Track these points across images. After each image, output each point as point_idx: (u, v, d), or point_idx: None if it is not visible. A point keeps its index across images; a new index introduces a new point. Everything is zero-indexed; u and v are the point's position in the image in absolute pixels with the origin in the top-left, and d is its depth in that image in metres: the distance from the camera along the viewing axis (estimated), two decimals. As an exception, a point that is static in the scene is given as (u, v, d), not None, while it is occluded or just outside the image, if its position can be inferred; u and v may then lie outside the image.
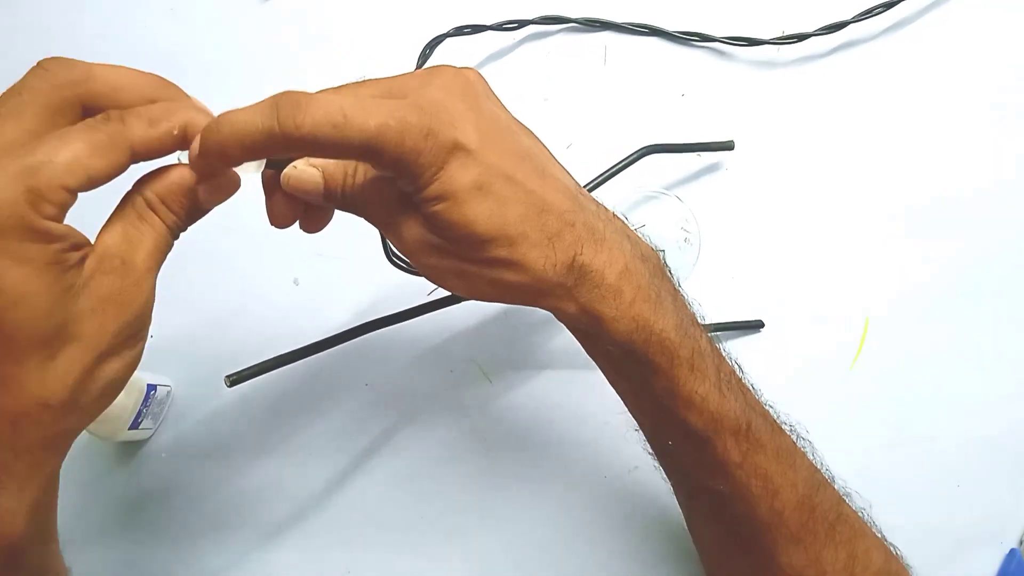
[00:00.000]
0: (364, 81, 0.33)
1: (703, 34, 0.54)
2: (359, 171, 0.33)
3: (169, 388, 0.51)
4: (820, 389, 0.50)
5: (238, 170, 0.32)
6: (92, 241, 0.29)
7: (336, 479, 0.50)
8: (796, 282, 0.51)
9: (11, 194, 0.25)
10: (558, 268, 0.33)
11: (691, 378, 0.34)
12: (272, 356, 0.41)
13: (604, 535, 0.49)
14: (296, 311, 0.52)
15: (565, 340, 0.36)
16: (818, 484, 0.37)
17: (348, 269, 0.52)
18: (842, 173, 0.52)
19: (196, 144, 0.30)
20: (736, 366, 0.38)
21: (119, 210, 0.30)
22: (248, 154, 0.29)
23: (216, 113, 0.30)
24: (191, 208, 0.31)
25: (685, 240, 0.50)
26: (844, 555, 0.37)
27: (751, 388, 0.38)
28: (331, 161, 0.33)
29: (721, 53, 0.55)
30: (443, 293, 0.46)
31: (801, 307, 0.51)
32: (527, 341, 0.52)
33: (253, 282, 0.53)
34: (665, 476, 0.40)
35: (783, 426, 0.38)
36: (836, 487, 0.39)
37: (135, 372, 0.50)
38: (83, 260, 0.28)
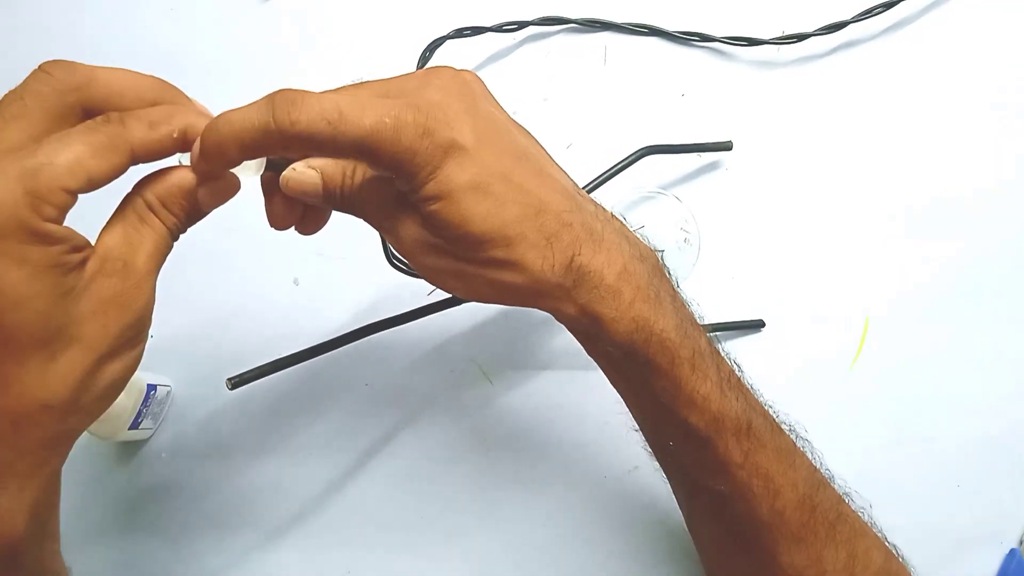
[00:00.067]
0: (363, 83, 0.33)
1: (703, 34, 0.54)
2: (357, 172, 0.33)
3: (169, 388, 0.51)
4: (820, 389, 0.50)
5: (238, 172, 0.32)
6: (92, 243, 0.29)
7: (336, 479, 0.50)
8: (796, 282, 0.51)
9: (11, 196, 0.25)
10: (556, 269, 0.33)
11: (692, 378, 0.34)
12: (273, 358, 0.41)
13: (604, 535, 0.49)
14: (296, 311, 0.52)
15: (565, 340, 0.36)
16: (818, 483, 0.37)
17: (348, 269, 0.52)
18: (842, 173, 0.52)
19: (197, 146, 0.30)
20: (735, 366, 0.38)
21: (119, 212, 0.30)
22: (245, 152, 0.29)
23: (216, 114, 0.30)
24: (191, 210, 0.31)
25: (685, 240, 0.50)
26: (844, 555, 0.37)
27: (750, 388, 0.38)
28: (329, 162, 0.33)
29: (721, 53, 0.55)
30: (443, 294, 0.46)
31: (801, 307, 0.51)
32: (527, 341, 0.52)
33: (253, 282, 0.53)
34: (665, 477, 0.40)
35: (782, 426, 0.38)
36: (836, 487, 0.39)
37: (135, 372, 0.50)
38: (84, 262, 0.28)
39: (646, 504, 0.48)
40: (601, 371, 0.37)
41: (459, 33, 0.53)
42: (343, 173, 0.33)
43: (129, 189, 0.31)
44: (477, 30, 0.53)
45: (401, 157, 0.30)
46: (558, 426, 0.50)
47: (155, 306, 0.31)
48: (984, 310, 0.50)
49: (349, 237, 0.50)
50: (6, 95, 0.28)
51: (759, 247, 0.52)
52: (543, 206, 0.33)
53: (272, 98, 0.29)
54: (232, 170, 0.31)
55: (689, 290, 0.38)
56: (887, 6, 0.53)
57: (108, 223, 0.30)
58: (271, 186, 0.34)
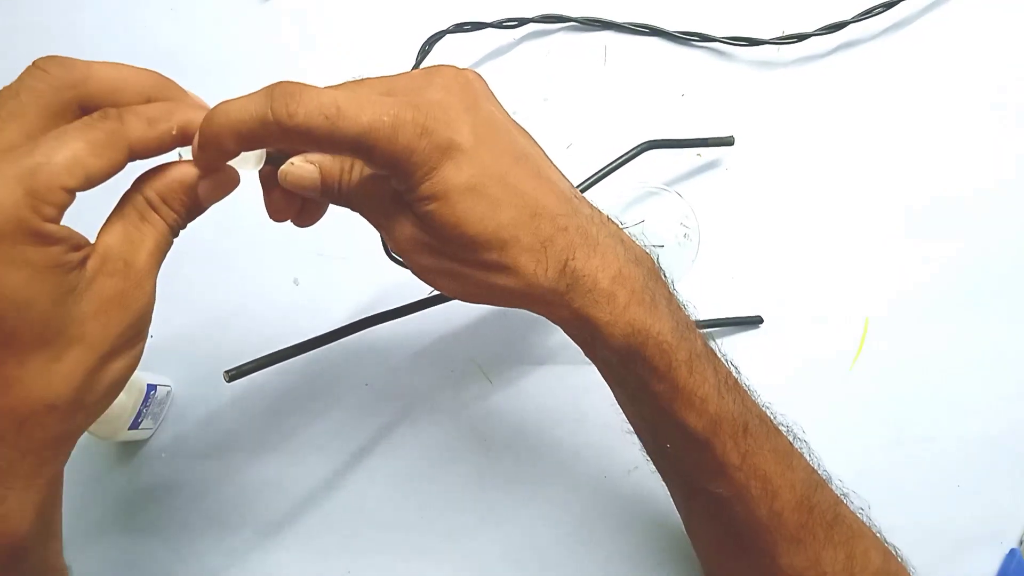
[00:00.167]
0: (364, 79, 0.33)
1: (703, 34, 0.54)
2: (355, 168, 0.33)
3: (169, 388, 0.51)
4: (820, 389, 0.50)
5: (237, 165, 0.32)
6: (91, 241, 0.29)
7: (336, 479, 0.50)
8: (796, 281, 0.51)
9: (11, 197, 0.25)
10: (549, 273, 0.32)
11: (689, 380, 0.34)
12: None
13: (604, 536, 0.49)
14: (296, 311, 0.52)
15: (564, 340, 0.36)
16: (816, 485, 0.37)
17: (348, 269, 0.53)
18: (842, 173, 0.52)
19: (197, 141, 0.30)
20: (732, 367, 0.38)
21: (119, 210, 0.30)
22: (242, 143, 0.29)
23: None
24: (191, 206, 0.31)
25: (684, 236, 0.50)
26: (843, 555, 0.37)
27: (748, 389, 0.38)
28: (328, 157, 0.33)
29: (721, 53, 0.55)
30: (443, 292, 0.46)
31: (801, 307, 0.51)
32: (527, 341, 0.52)
33: (253, 282, 0.53)
34: (662, 480, 0.40)
35: (780, 427, 0.38)
36: (833, 487, 0.39)
37: (135, 372, 0.50)
38: (84, 261, 0.28)
39: (646, 504, 0.48)
40: (600, 374, 0.37)
41: (459, 28, 0.53)
42: (341, 169, 0.33)
43: (125, 185, 0.31)
44: (477, 25, 0.53)
45: (398, 156, 0.30)
46: (558, 426, 0.50)
47: (155, 305, 0.31)
48: (984, 310, 0.50)
49: (349, 237, 0.50)
50: (1, 92, 0.28)
51: (759, 246, 0.52)
52: (539, 209, 0.32)
53: (271, 90, 0.29)
54: (231, 163, 0.31)
55: (688, 287, 0.37)
56: (887, 6, 0.53)
57: (108, 221, 0.30)
58: (270, 180, 0.34)
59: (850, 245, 0.52)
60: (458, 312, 0.51)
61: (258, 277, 0.53)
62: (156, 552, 0.50)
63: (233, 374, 0.39)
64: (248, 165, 0.33)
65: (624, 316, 0.33)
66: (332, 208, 0.37)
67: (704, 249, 0.50)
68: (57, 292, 0.27)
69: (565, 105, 0.55)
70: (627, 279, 0.34)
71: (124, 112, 0.28)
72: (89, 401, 0.29)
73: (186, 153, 0.31)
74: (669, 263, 0.37)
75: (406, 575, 0.49)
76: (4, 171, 0.25)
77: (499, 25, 0.54)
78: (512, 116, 0.35)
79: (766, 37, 0.53)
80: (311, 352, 0.43)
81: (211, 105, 0.31)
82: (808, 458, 0.38)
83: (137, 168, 0.31)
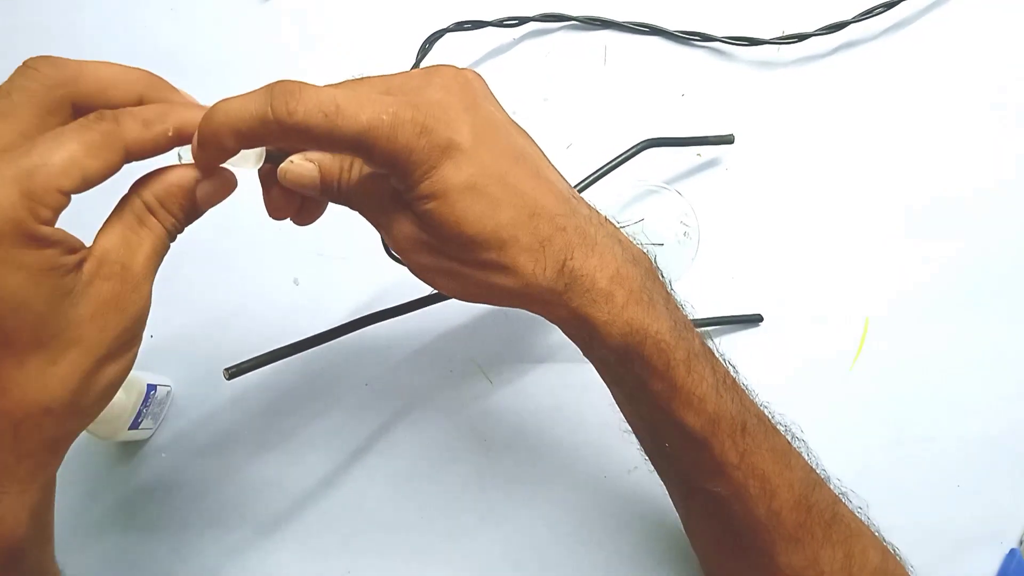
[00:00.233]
0: (364, 78, 0.33)
1: (704, 33, 0.54)
2: (355, 167, 0.34)
3: (169, 388, 0.51)
4: (820, 389, 0.50)
5: (237, 164, 0.32)
6: (87, 244, 0.29)
7: (336, 479, 0.50)
8: (796, 281, 0.51)
9: (8, 199, 0.25)
10: (548, 273, 0.33)
11: (688, 380, 0.34)
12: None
13: (603, 535, 0.49)
14: (296, 311, 0.52)
15: (563, 339, 0.36)
16: (814, 484, 0.37)
17: (348, 269, 0.53)
18: (842, 173, 0.52)
19: (196, 139, 0.30)
20: (731, 367, 0.38)
21: (117, 213, 0.30)
22: (242, 140, 0.29)
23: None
24: (189, 210, 0.31)
25: (684, 234, 0.50)
26: (841, 554, 0.37)
27: (746, 389, 0.38)
28: (327, 156, 0.33)
29: (721, 53, 0.55)
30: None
31: (801, 307, 0.51)
32: (527, 341, 0.52)
33: (253, 282, 0.53)
34: (661, 479, 0.40)
35: (778, 426, 0.38)
36: (832, 487, 0.39)
37: (135, 372, 0.50)
38: (80, 264, 0.28)
39: (645, 504, 0.48)
40: (599, 374, 0.37)
41: (459, 26, 0.53)
42: (341, 167, 0.33)
43: (122, 186, 0.31)
44: (477, 24, 0.53)
45: (397, 154, 0.30)
46: (558, 426, 0.50)
47: (155, 306, 0.31)
48: (984, 310, 0.50)
49: (349, 237, 0.50)
50: None
51: (759, 246, 0.52)
52: (537, 209, 0.33)
53: (271, 88, 0.29)
54: (230, 161, 0.31)
55: (688, 286, 0.38)
56: (888, 6, 0.53)
57: (105, 224, 0.30)
58: (269, 178, 0.34)
59: (850, 245, 0.52)
60: (457, 312, 0.51)
61: (258, 277, 0.53)
62: (156, 552, 0.50)
63: (233, 371, 0.40)
64: (248, 164, 0.33)
65: (622, 315, 0.33)
66: (332, 208, 0.37)
67: (703, 248, 0.50)
68: (53, 295, 0.27)
69: (565, 105, 0.55)
70: (625, 279, 0.34)
71: (120, 114, 0.28)
72: (85, 404, 0.29)
73: (185, 153, 0.31)
74: (669, 261, 0.37)
75: (406, 575, 0.49)
76: (1, 172, 0.25)
77: (499, 24, 0.54)
78: (511, 116, 0.35)
79: (766, 37, 0.53)
80: (310, 352, 0.43)
81: (205, 104, 0.31)
82: (806, 457, 0.38)
83: (135, 171, 0.31)
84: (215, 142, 0.29)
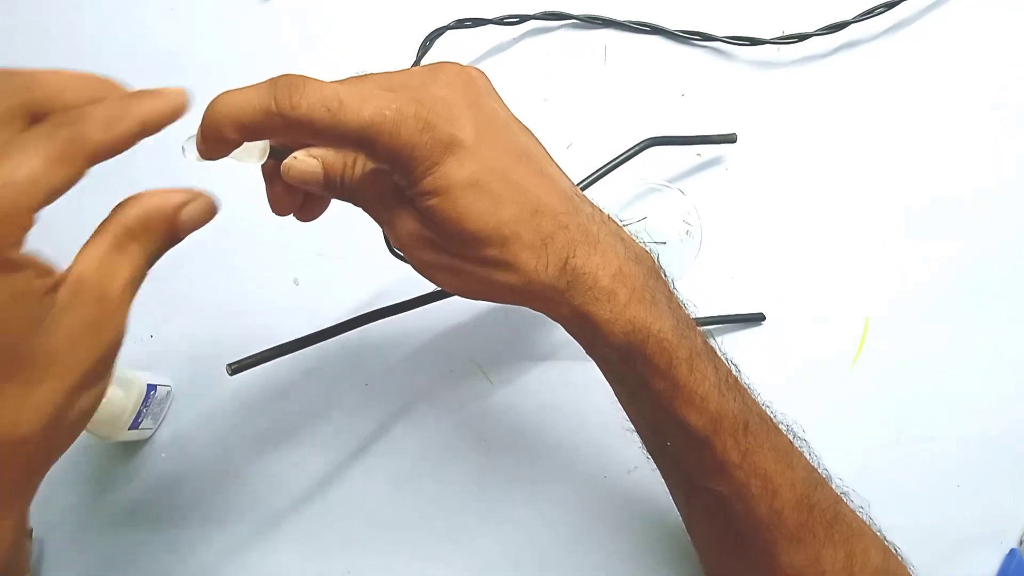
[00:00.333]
0: (368, 74, 0.33)
1: (704, 33, 0.54)
2: (358, 163, 0.34)
3: (169, 388, 0.51)
4: (820, 389, 0.50)
5: (240, 158, 0.32)
6: (60, 268, 0.27)
7: (336, 479, 0.50)
8: (796, 281, 0.51)
9: None
10: (550, 270, 0.33)
11: (690, 378, 0.34)
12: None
13: (604, 535, 0.49)
14: (296, 311, 0.52)
15: (564, 338, 0.36)
16: (815, 483, 0.37)
17: (348, 269, 0.53)
18: (842, 174, 0.52)
19: (199, 130, 0.30)
20: (733, 366, 0.38)
21: (95, 238, 0.29)
22: (244, 133, 0.29)
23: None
24: (169, 236, 0.30)
25: (687, 233, 0.50)
26: (843, 554, 0.37)
27: (748, 388, 0.38)
28: (330, 152, 0.33)
29: (722, 52, 0.55)
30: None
31: (801, 306, 0.51)
32: (527, 340, 0.52)
33: (253, 282, 0.53)
34: (663, 478, 0.40)
35: (780, 426, 0.38)
36: (833, 486, 0.39)
37: (135, 372, 0.50)
38: (55, 288, 0.26)
39: (646, 504, 0.48)
40: (601, 372, 0.37)
41: (460, 24, 0.53)
42: (344, 163, 0.33)
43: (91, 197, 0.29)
44: (478, 21, 0.53)
45: (400, 150, 0.30)
46: (558, 426, 0.50)
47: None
48: (984, 310, 0.50)
49: (349, 237, 0.51)
50: None
51: (759, 246, 0.52)
52: (540, 207, 0.33)
53: (275, 81, 0.29)
54: (234, 155, 0.31)
55: (690, 285, 0.38)
56: (888, 6, 0.53)
57: (83, 249, 0.28)
58: (273, 174, 0.34)
59: (850, 245, 0.52)
60: (457, 311, 0.51)
61: (258, 277, 0.53)
62: (156, 551, 0.50)
63: (236, 367, 0.40)
64: (251, 158, 0.33)
65: (624, 314, 0.33)
66: (331, 208, 0.37)
67: (705, 247, 0.50)
68: (26, 322, 0.25)
69: (565, 105, 0.55)
70: (627, 277, 0.34)
71: (78, 117, 0.27)
72: (58, 434, 0.28)
73: (189, 145, 0.31)
74: (671, 260, 0.37)
75: (406, 575, 0.49)
76: None
77: (500, 21, 0.54)
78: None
79: (767, 37, 0.53)
80: (310, 352, 0.43)
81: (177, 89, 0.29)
82: (808, 457, 0.38)
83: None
84: (217, 133, 0.29)
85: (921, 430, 0.49)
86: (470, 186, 0.31)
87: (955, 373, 0.50)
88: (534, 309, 0.35)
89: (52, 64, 0.28)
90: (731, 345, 0.39)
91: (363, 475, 0.50)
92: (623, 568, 0.48)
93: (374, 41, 0.56)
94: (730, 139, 0.52)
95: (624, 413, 0.39)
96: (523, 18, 0.54)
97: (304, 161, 0.33)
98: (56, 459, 0.30)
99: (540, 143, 0.36)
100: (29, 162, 0.25)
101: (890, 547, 0.39)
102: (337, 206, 0.37)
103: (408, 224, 0.33)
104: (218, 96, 0.29)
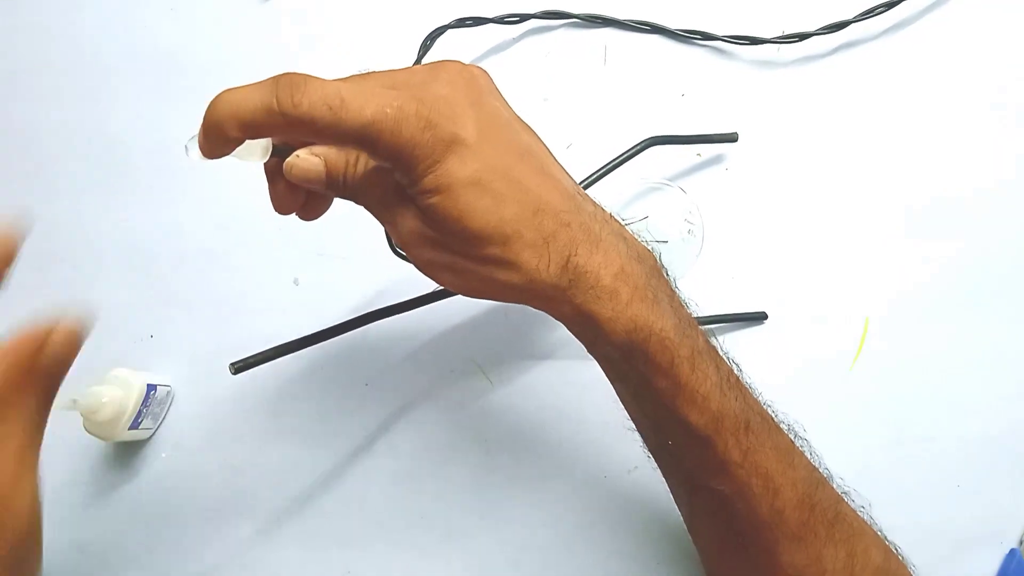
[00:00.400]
0: (369, 73, 0.33)
1: (704, 32, 0.54)
2: (360, 161, 0.34)
3: (169, 388, 0.51)
4: (820, 388, 0.50)
5: (243, 156, 0.32)
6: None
7: (336, 478, 0.50)
8: (796, 281, 0.51)
9: None
10: (552, 269, 0.33)
11: (692, 377, 0.34)
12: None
13: (604, 535, 0.49)
14: (296, 311, 0.52)
15: (565, 338, 0.36)
16: (817, 482, 0.37)
17: (348, 269, 0.53)
18: (842, 173, 0.52)
19: (201, 128, 0.30)
20: (734, 365, 0.38)
21: None
22: (245, 130, 0.29)
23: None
24: (48, 385, 0.28)
25: (689, 232, 0.50)
26: (844, 553, 0.37)
27: (749, 387, 0.38)
28: (333, 150, 0.33)
29: (722, 52, 0.55)
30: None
31: (801, 306, 0.51)
32: (527, 340, 0.52)
33: (253, 282, 0.53)
34: (664, 477, 0.40)
35: (781, 425, 0.38)
36: (834, 486, 0.39)
37: (135, 372, 0.50)
38: None
39: (646, 504, 0.48)
40: (603, 371, 0.37)
41: (461, 23, 0.53)
42: (346, 162, 0.34)
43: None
44: (479, 21, 0.54)
45: (401, 148, 0.30)
46: (558, 426, 0.50)
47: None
48: (984, 310, 0.50)
49: (349, 237, 0.50)
50: None
51: (760, 246, 0.52)
52: (542, 205, 0.33)
53: (277, 79, 0.29)
54: (236, 153, 0.31)
55: (691, 284, 0.37)
56: (888, 6, 0.53)
57: None
58: (275, 172, 0.34)
59: (851, 245, 0.52)
60: (458, 311, 0.51)
61: (258, 277, 0.53)
62: (156, 551, 0.50)
63: (239, 366, 0.40)
64: (254, 156, 0.33)
65: (626, 312, 0.33)
66: (332, 208, 0.37)
67: (707, 245, 0.50)
68: None
69: (565, 105, 0.55)
70: (629, 276, 0.34)
71: None
72: None
73: (192, 144, 0.31)
74: (673, 259, 0.37)
75: (406, 574, 0.49)
76: None
77: (500, 20, 0.54)
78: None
79: (767, 36, 0.53)
80: (310, 352, 0.43)
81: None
82: (809, 456, 0.38)
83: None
84: (219, 131, 0.29)
85: (921, 430, 0.49)
86: (472, 184, 0.31)
87: (955, 373, 0.50)
88: (536, 308, 0.35)
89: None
90: (732, 344, 0.39)
91: (363, 475, 0.50)
92: (623, 568, 0.48)
93: (374, 41, 0.56)
94: (731, 138, 0.52)
95: (625, 412, 0.39)
96: (523, 17, 0.54)
97: (306, 159, 0.33)
98: None
99: (542, 142, 0.36)
100: None
101: (891, 547, 0.39)
102: (338, 206, 0.37)
103: (410, 222, 0.33)
104: (220, 94, 0.29)
